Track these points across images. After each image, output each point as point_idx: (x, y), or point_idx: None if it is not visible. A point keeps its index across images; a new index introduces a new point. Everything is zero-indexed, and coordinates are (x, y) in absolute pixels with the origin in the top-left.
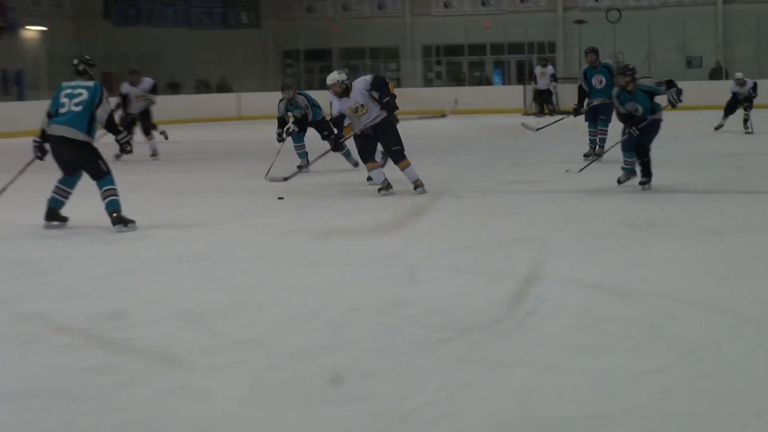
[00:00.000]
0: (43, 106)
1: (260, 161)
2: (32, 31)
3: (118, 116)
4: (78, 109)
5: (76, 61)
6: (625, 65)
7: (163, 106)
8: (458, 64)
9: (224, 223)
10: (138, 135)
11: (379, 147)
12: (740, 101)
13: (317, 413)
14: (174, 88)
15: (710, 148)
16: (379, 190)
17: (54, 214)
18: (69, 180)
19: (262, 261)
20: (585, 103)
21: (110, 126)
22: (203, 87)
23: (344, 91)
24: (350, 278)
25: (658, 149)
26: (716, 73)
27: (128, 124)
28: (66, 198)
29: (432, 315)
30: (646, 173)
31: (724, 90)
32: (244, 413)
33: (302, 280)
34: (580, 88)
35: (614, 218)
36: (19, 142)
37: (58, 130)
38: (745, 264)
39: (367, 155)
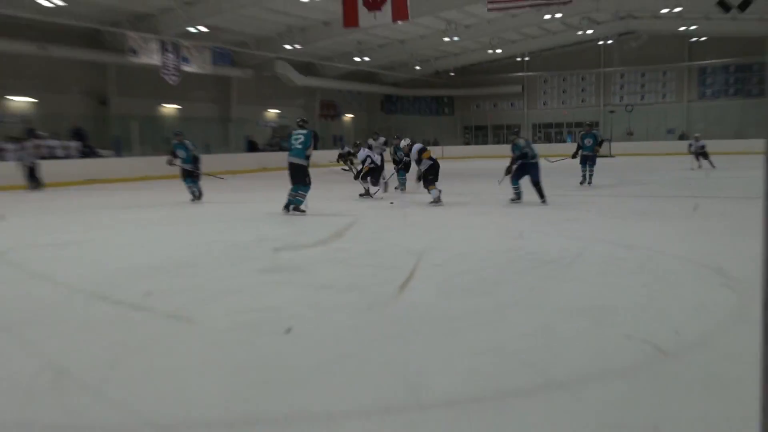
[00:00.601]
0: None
1: (450, 180)
2: (348, 117)
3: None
4: (299, 146)
5: (298, 120)
6: (513, 130)
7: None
8: (549, 133)
9: (423, 209)
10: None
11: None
12: (695, 153)
13: (466, 301)
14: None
15: (676, 175)
16: (431, 202)
17: (288, 207)
18: (295, 187)
19: (441, 228)
20: (579, 153)
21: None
22: (427, 143)
23: (409, 150)
24: (486, 237)
25: (649, 175)
26: (682, 137)
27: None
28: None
29: (528, 255)
30: (541, 195)
31: (684, 146)
32: (432, 301)
33: (461, 237)
34: (577, 144)
35: (628, 210)
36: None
37: (290, 158)
38: (698, 232)
39: (428, 183)
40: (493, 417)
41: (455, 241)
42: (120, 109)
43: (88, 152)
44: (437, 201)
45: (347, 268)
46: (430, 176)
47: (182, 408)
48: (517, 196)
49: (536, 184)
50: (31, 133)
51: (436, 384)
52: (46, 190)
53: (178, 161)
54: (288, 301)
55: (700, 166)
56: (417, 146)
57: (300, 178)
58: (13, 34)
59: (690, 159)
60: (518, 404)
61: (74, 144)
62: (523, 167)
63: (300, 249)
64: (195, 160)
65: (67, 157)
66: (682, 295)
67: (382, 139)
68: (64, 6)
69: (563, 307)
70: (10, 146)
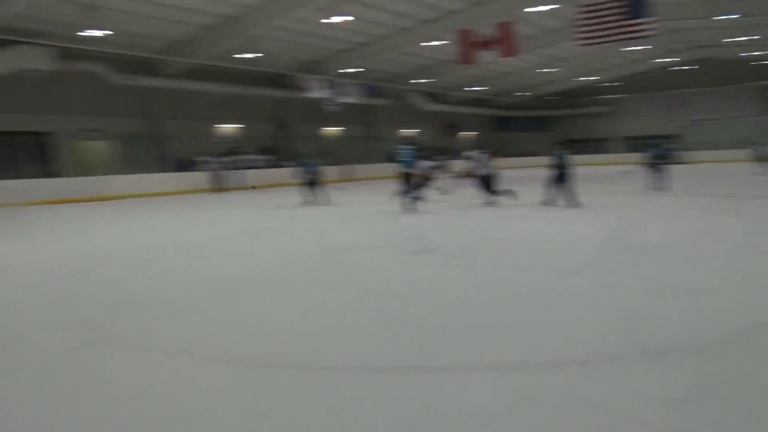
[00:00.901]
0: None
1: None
2: (465, 134)
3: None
4: (406, 159)
5: (406, 137)
6: (556, 143)
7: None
8: (635, 144)
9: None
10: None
11: None
12: (759, 158)
13: (572, 280)
14: (504, 156)
15: (747, 179)
16: (485, 203)
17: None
18: (407, 189)
19: (544, 221)
20: (648, 161)
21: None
22: (521, 155)
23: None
24: (582, 229)
25: (723, 178)
26: (750, 147)
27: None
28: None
29: (619, 244)
30: (570, 200)
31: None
32: (540, 280)
33: (561, 229)
34: (646, 155)
35: (705, 207)
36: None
37: (400, 168)
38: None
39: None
40: (596, 378)
41: (557, 231)
42: (297, 132)
43: (275, 164)
44: (493, 203)
45: (470, 254)
46: (486, 184)
47: (354, 353)
48: (551, 200)
49: (567, 190)
50: (234, 151)
51: (549, 348)
52: (230, 192)
53: (302, 174)
54: (431, 275)
55: (761, 172)
56: (484, 155)
57: (409, 181)
58: (223, 80)
59: (754, 165)
60: (617, 368)
61: (265, 158)
62: (560, 176)
63: (430, 237)
64: (315, 173)
65: (259, 167)
66: (762, 283)
67: (476, 153)
68: (260, 57)
69: (653, 288)
70: (215, 159)
